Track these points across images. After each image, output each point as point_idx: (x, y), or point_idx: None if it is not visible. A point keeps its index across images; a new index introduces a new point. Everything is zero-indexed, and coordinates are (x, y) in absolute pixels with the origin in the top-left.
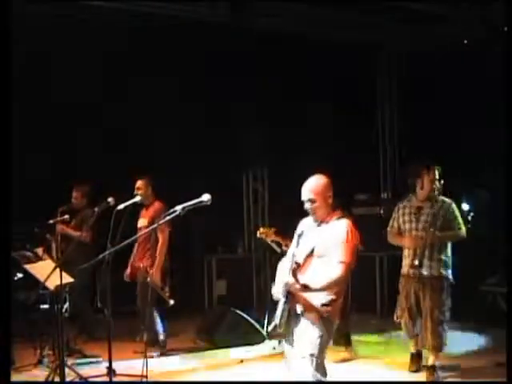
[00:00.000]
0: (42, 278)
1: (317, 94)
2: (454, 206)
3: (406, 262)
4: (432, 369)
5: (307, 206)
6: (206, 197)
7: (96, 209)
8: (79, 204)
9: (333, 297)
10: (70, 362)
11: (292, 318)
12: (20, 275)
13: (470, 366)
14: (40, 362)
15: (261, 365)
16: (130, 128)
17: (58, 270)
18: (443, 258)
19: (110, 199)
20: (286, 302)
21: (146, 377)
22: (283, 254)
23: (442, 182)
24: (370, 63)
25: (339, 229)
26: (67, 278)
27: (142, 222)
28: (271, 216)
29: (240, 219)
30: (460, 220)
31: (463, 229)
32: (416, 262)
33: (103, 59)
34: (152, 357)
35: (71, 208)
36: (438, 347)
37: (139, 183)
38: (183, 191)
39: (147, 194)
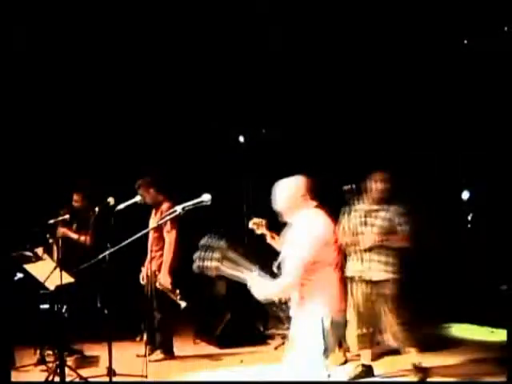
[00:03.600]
0: (41, 278)
1: (316, 93)
2: (401, 210)
3: (351, 265)
4: (417, 367)
5: (277, 210)
6: (206, 197)
7: (96, 209)
8: (80, 206)
9: (317, 292)
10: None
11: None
12: (20, 275)
13: (471, 365)
14: (40, 361)
15: (261, 365)
16: (130, 128)
17: (57, 269)
18: (391, 261)
19: (110, 199)
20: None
21: (146, 377)
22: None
23: (388, 185)
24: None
25: (297, 223)
26: (67, 278)
27: (151, 223)
28: (271, 215)
29: (240, 219)
30: (407, 225)
31: (407, 234)
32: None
33: (102, 58)
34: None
35: (72, 210)
36: (405, 345)
37: (138, 188)
38: (183, 191)
39: (150, 195)
